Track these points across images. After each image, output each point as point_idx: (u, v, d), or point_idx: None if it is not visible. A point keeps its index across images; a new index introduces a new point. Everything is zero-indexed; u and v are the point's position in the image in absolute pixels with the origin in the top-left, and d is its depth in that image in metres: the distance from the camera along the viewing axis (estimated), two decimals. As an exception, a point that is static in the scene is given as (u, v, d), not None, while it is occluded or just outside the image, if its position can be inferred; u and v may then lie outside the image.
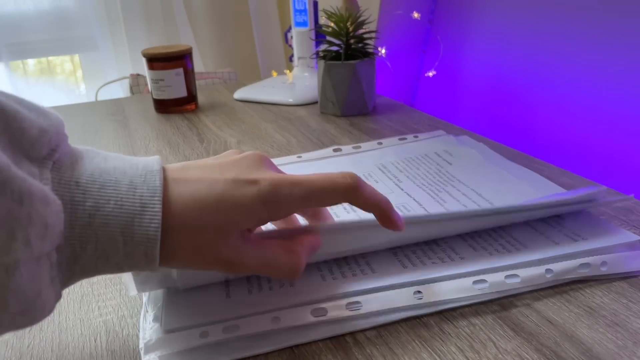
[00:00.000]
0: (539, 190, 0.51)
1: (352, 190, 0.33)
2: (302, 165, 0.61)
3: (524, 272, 0.38)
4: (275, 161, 0.63)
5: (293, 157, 0.64)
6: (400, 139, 0.68)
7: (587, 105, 0.72)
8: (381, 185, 0.55)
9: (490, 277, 0.38)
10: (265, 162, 0.34)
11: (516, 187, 0.52)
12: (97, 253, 0.28)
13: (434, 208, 0.49)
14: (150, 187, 0.29)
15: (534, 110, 0.82)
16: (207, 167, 0.33)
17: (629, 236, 0.42)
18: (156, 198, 0.29)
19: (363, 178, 0.55)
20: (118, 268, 0.30)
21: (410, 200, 0.51)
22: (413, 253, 0.42)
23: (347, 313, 0.36)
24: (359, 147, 0.66)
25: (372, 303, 0.36)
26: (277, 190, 0.32)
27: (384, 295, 0.37)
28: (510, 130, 0.86)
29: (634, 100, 0.66)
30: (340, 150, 0.65)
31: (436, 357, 0.33)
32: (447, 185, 0.53)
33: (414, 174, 0.57)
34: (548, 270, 0.39)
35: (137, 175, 0.30)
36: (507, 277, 0.38)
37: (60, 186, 0.28)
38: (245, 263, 0.32)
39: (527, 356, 0.32)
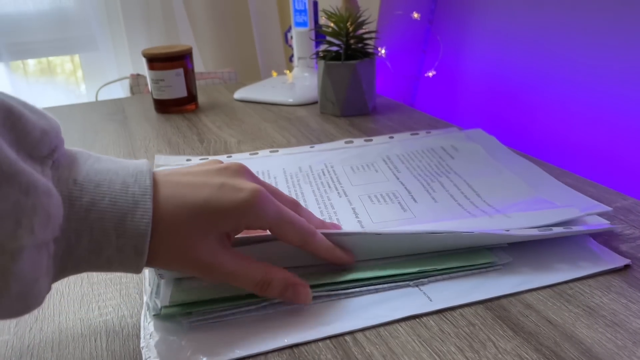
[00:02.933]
0: (534, 186, 0.52)
1: (310, 240, 0.37)
2: (313, 154, 0.63)
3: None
4: (289, 150, 0.66)
5: (306, 147, 0.66)
6: (412, 134, 0.69)
7: (588, 105, 0.72)
8: (380, 174, 0.57)
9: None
10: (246, 172, 0.36)
11: (510, 181, 0.53)
12: (91, 245, 0.30)
13: (422, 198, 0.51)
14: (141, 186, 0.32)
15: (534, 110, 0.82)
16: (193, 173, 0.35)
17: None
18: (147, 196, 0.31)
19: (365, 167, 0.59)
20: (108, 263, 0.31)
21: (402, 188, 0.53)
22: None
23: None
24: (371, 139, 0.68)
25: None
26: (259, 200, 0.34)
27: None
28: (510, 130, 0.86)
29: (634, 100, 0.66)
30: (352, 142, 0.67)
31: (436, 357, 0.33)
32: (441, 175, 0.55)
33: (414, 166, 0.58)
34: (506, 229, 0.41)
35: (129, 175, 0.32)
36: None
37: (59, 183, 0.30)
38: (220, 267, 0.34)
39: (527, 356, 0.32)
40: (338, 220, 0.47)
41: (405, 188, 0.53)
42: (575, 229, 0.42)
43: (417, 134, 0.69)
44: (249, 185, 0.34)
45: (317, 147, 0.66)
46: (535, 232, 0.41)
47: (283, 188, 0.54)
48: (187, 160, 0.63)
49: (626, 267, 0.40)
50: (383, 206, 0.50)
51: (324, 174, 0.57)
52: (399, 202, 0.50)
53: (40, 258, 0.28)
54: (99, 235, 0.30)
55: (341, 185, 0.54)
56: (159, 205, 0.32)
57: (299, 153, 0.64)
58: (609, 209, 0.46)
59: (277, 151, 0.65)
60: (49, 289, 0.30)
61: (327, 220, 0.46)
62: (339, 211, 0.49)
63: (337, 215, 0.48)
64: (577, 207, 0.45)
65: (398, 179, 0.55)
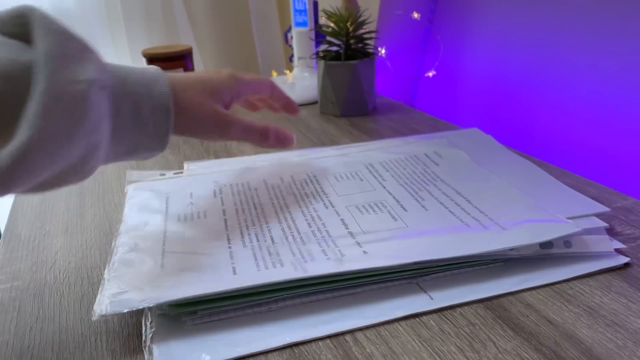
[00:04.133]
0: (535, 187, 0.51)
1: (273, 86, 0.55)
2: (293, 165, 0.61)
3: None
4: (267, 159, 0.63)
5: (286, 156, 0.63)
6: (393, 140, 0.68)
7: (588, 105, 0.72)
8: (365, 183, 0.55)
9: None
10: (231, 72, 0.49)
11: (499, 187, 0.52)
12: (133, 103, 0.38)
13: (412, 206, 0.49)
14: (155, 69, 0.41)
15: (534, 110, 0.82)
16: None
17: (594, 222, 0.44)
18: (163, 76, 0.41)
19: (349, 176, 0.57)
20: (144, 125, 0.39)
21: (390, 197, 0.51)
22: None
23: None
24: (351, 147, 0.66)
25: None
26: (240, 73, 0.50)
27: None
28: (511, 130, 0.86)
29: (634, 99, 0.66)
30: (331, 150, 0.65)
31: (436, 357, 0.33)
32: (429, 184, 0.54)
33: (399, 174, 0.57)
34: (511, 248, 0.41)
35: (140, 66, 0.41)
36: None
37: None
38: (236, 119, 0.48)
39: (527, 356, 0.32)
40: (327, 233, 0.45)
41: (393, 197, 0.51)
42: (575, 250, 0.42)
43: (398, 140, 0.67)
44: (225, 71, 0.49)
45: (297, 156, 0.63)
46: (536, 248, 0.41)
47: (265, 200, 0.52)
48: (161, 175, 0.59)
49: (626, 266, 0.40)
50: (372, 216, 0.48)
51: (307, 184, 0.55)
52: (389, 212, 0.48)
53: (103, 100, 0.34)
54: (137, 94, 0.38)
55: (327, 196, 0.52)
56: (173, 81, 0.42)
57: (278, 164, 0.61)
58: (607, 209, 0.46)
59: (255, 163, 0.62)
60: (106, 159, 0.37)
61: (317, 234, 0.45)
62: (327, 222, 0.47)
63: (326, 227, 0.46)
64: (575, 221, 0.44)
65: (385, 187, 0.54)
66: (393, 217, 0.47)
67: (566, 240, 0.42)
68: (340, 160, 0.61)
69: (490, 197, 0.50)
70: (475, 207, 0.48)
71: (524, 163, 0.58)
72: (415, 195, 0.52)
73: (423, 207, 0.49)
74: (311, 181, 0.56)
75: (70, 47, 0.32)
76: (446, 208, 0.48)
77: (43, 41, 0.31)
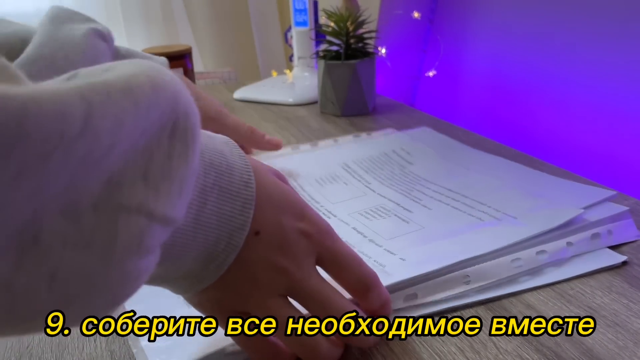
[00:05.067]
0: (502, 180, 0.52)
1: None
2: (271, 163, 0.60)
3: (549, 247, 0.40)
4: None
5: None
6: (354, 137, 0.69)
7: (589, 104, 0.72)
8: (351, 187, 0.54)
9: (523, 255, 0.39)
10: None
11: (482, 181, 0.52)
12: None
13: (413, 207, 0.49)
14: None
15: (535, 110, 0.82)
16: None
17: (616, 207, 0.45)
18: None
19: (331, 180, 0.56)
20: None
21: (386, 201, 0.51)
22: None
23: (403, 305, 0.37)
24: (316, 144, 0.66)
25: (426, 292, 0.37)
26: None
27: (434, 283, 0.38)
28: (511, 130, 0.86)
29: (635, 99, 0.66)
30: (298, 147, 0.65)
31: (437, 357, 0.32)
32: (415, 184, 0.54)
33: (380, 175, 0.56)
34: (569, 243, 0.41)
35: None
36: (537, 253, 0.40)
37: None
38: None
39: (528, 356, 0.32)
40: (348, 243, 0.41)
41: (391, 200, 0.50)
42: (617, 238, 0.43)
43: (358, 136, 0.68)
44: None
45: (270, 153, 0.62)
46: (567, 252, 0.41)
47: None
48: None
49: (627, 267, 0.40)
50: (381, 221, 0.46)
51: None
52: (396, 215, 0.47)
53: None
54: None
55: (321, 205, 0.51)
56: None
57: None
58: (614, 192, 0.46)
59: None
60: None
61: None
62: (342, 234, 0.43)
63: (344, 239, 0.42)
64: (576, 204, 0.44)
65: (374, 191, 0.53)
66: (404, 220, 0.46)
67: (609, 230, 0.42)
68: (310, 159, 0.60)
69: (481, 191, 0.49)
70: (476, 201, 0.48)
71: (498, 160, 0.57)
72: (409, 195, 0.51)
73: (424, 206, 0.49)
74: (294, 188, 0.54)
75: None
76: (447, 205, 0.48)
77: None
